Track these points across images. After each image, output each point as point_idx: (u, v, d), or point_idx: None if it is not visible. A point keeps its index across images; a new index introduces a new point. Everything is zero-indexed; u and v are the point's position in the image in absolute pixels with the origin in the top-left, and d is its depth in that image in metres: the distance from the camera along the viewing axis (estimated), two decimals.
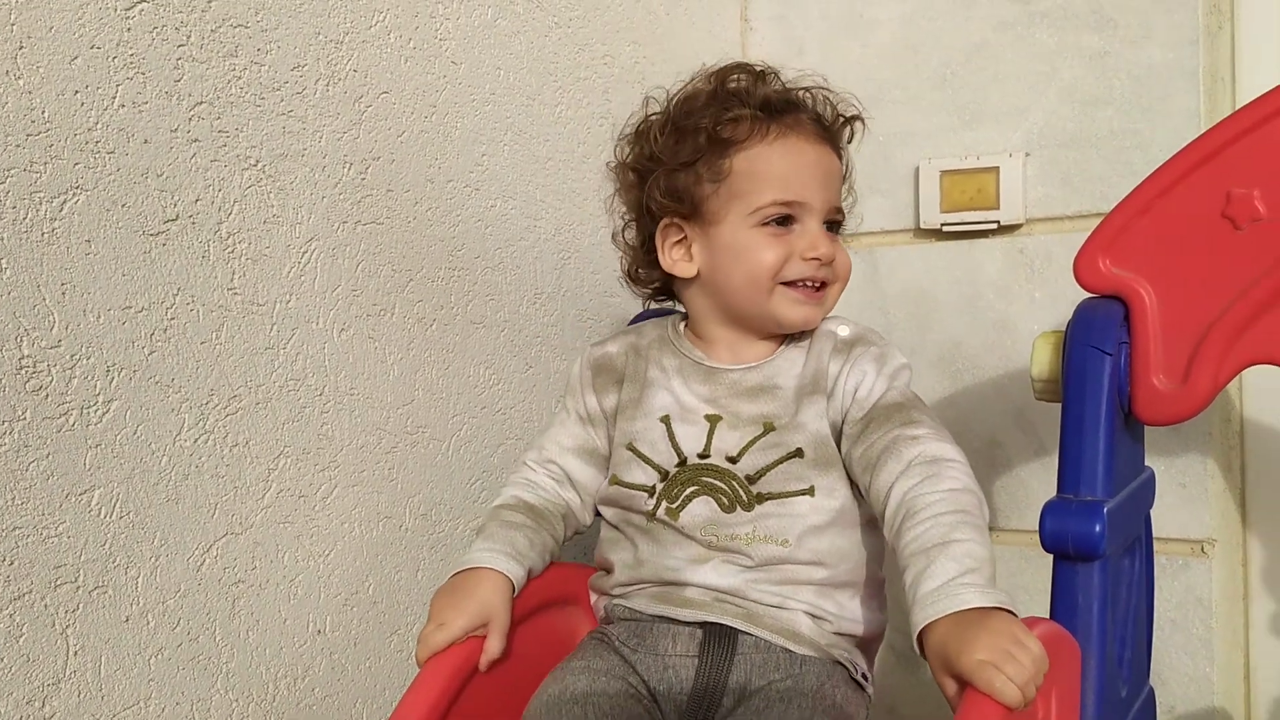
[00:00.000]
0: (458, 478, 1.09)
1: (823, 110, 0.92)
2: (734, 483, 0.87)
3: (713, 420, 0.89)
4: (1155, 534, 1.28)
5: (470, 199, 1.09)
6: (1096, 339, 0.81)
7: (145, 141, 0.81)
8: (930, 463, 0.78)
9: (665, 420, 0.90)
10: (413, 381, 1.03)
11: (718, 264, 0.89)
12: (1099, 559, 0.77)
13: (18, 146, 0.73)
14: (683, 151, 0.89)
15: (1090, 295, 0.86)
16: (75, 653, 0.76)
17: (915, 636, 0.71)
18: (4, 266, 0.72)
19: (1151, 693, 0.95)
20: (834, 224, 0.91)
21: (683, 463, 0.89)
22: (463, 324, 1.09)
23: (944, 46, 1.40)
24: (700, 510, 0.87)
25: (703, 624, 0.85)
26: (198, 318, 0.84)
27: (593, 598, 0.95)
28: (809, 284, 0.88)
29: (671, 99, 0.93)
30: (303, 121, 0.92)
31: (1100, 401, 0.80)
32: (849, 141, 0.95)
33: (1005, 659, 0.63)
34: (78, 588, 0.76)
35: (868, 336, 0.91)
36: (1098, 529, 0.76)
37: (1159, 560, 1.30)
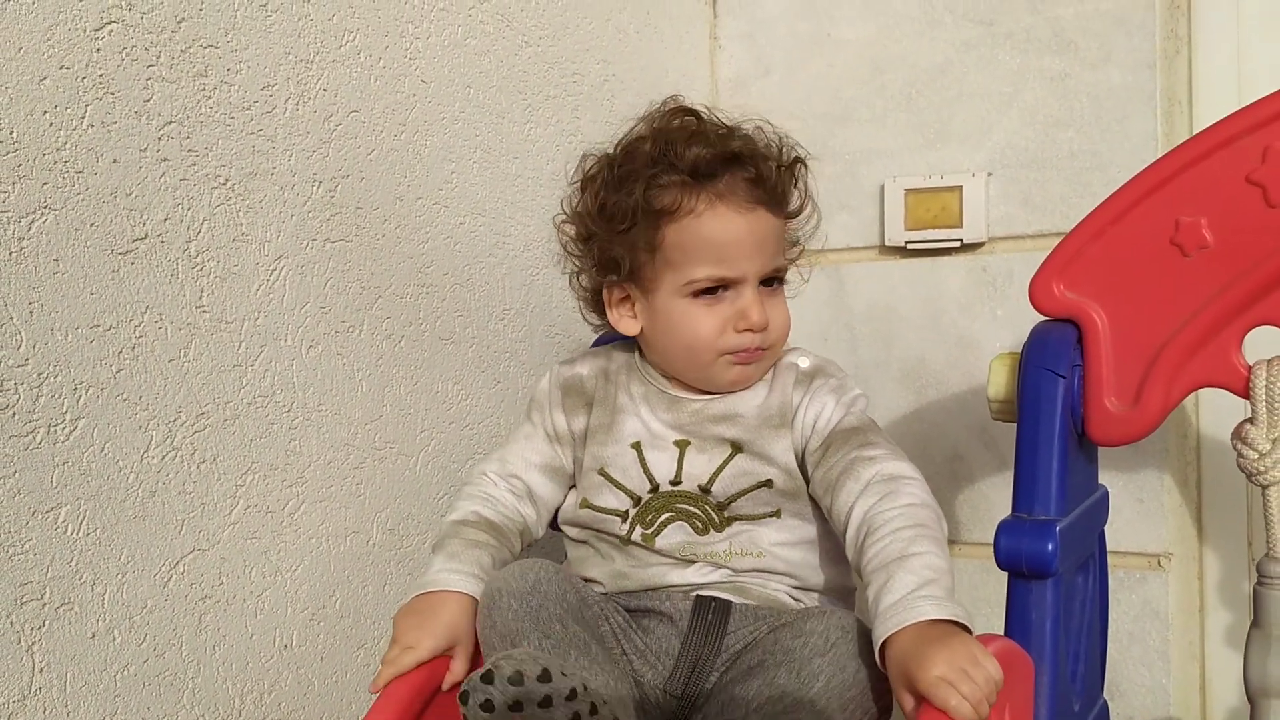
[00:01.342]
0: (425, 493, 1.10)
1: (761, 165, 0.90)
2: (706, 507, 0.89)
3: (681, 446, 0.91)
4: (1113, 548, 1.31)
5: (439, 216, 1.10)
6: (1050, 361, 0.83)
7: (114, 161, 0.81)
8: (887, 480, 0.80)
9: (637, 447, 0.92)
10: (381, 397, 1.04)
11: (657, 328, 0.91)
12: (1052, 577, 0.79)
13: None
14: (617, 221, 0.89)
15: (1045, 319, 0.88)
16: (40, 669, 0.76)
17: (877, 650, 0.72)
18: None
19: (1105, 706, 0.97)
20: (772, 280, 0.92)
21: (655, 489, 0.90)
22: (431, 340, 1.10)
23: (909, 67, 1.42)
24: (675, 535, 0.90)
25: (694, 598, 0.87)
26: (166, 335, 0.85)
27: None
28: (748, 351, 0.89)
29: (614, 154, 0.93)
30: (272, 140, 0.93)
31: (1054, 422, 0.82)
32: (794, 184, 0.94)
33: (961, 677, 0.65)
34: (44, 604, 0.77)
35: (826, 369, 0.93)
36: (1050, 548, 0.78)
37: (1116, 574, 1.32)
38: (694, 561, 0.89)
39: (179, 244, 0.86)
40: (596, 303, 0.96)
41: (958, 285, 1.41)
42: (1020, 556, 0.79)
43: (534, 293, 1.23)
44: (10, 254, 0.75)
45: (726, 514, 0.88)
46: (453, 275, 1.12)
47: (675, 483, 0.90)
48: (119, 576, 0.82)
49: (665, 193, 0.87)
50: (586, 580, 0.93)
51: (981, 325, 1.40)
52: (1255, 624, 0.82)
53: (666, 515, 0.90)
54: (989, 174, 1.38)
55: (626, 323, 0.94)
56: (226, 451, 0.90)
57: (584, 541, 0.94)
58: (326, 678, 0.99)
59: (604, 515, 0.92)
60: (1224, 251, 0.79)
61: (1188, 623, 1.33)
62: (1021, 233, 1.38)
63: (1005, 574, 0.84)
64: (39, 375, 0.76)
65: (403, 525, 1.07)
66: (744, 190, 0.88)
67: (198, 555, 0.87)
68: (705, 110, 0.93)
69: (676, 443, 0.91)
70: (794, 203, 0.93)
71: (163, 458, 0.85)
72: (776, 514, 0.88)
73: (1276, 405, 0.77)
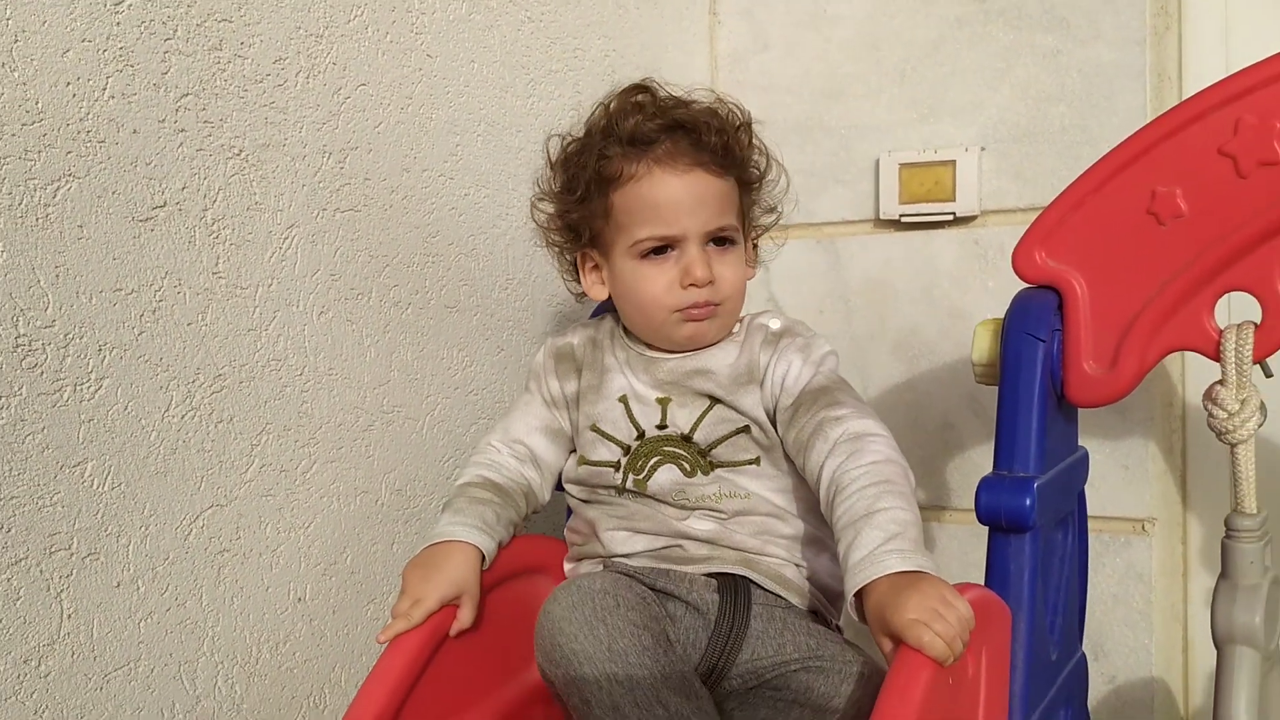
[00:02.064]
0: (431, 455, 1.13)
1: (703, 129, 0.94)
2: (692, 451, 0.94)
3: (663, 402, 0.96)
4: (1098, 513, 1.35)
5: (444, 188, 1.14)
6: (1031, 326, 0.86)
7: (134, 131, 0.85)
8: (854, 439, 0.85)
9: (623, 400, 0.97)
10: (389, 363, 1.08)
11: (618, 291, 0.98)
12: (1029, 531, 0.83)
13: (13, 136, 0.77)
14: (575, 192, 0.96)
15: (1027, 286, 0.91)
16: (69, 615, 0.81)
17: (851, 604, 0.77)
18: (1, 250, 0.76)
19: (1083, 658, 1.01)
20: (723, 239, 0.96)
21: (641, 436, 0.95)
22: (437, 308, 1.13)
23: (904, 43, 1.45)
24: (665, 476, 0.94)
25: (713, 575, 0.91)
26: (184, 300, 0.89)
27: (580, 566, 1.00)
28: (695, 306, 0.94)
29: (573, 133, 0.99)
30: (284, 112, 0.96)
31: (1034, 385, 0.85)
32: (748, 146, 0.98)
33: (934, 617, 0.68)
34: (71, 554, 0.81)
35: (795, 329, 0.98)
36: (1028, 503, 0.82)
37: (1101, 538, 1.37)
38: (689, 509, 0.93)
39: (196, 212, 0.89)
40: (575, 274, 1.03)
41: (950, 258, 1.45)
42: (999, 511, 0.82)
43: (536, 263, 1.26)
44: (37, 220, 0.78)
45: (709, 459, 0.94)
46: (457, 245, 1.16)
47: (661, 427, 0.95)
48: (142, 529, 0.86)
49: (611, 162, 0.94)
50: (587, 537, 0.98)
51: (973, 297, 1.43)
52: (1223, 575, 0.86)
53: (655, 459, 0.95)
54: (982, 148, 1.41)
55: (597, 289, 1.01)
56: (242, 412, 0.93)
57: (586, 500, 0.99)
58: (338, 629, 1.03)
59: (599, 468, 0.97)
60: (1197, 220, 0.83)
61: (1171, 585, 1.37)
62: (1013, 206, 1.41)
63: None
64: (65, 336, 0.80)
65: (410, 486, 1.11)
66: (683, 153, 0.93)
67: (216, 510, 0.91)
68: (659, 86, 0.98)
69: (659, 400, 0.96)
70: (746, 166, 0.98)
71: (182, 417, 0.89)
72: (756, 461, 0.93)
73: (1245, 368, 0.81)
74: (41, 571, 0.79)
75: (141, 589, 0.86)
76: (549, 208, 1.01)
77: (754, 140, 0.99)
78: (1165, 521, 1.36)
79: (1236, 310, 0.88)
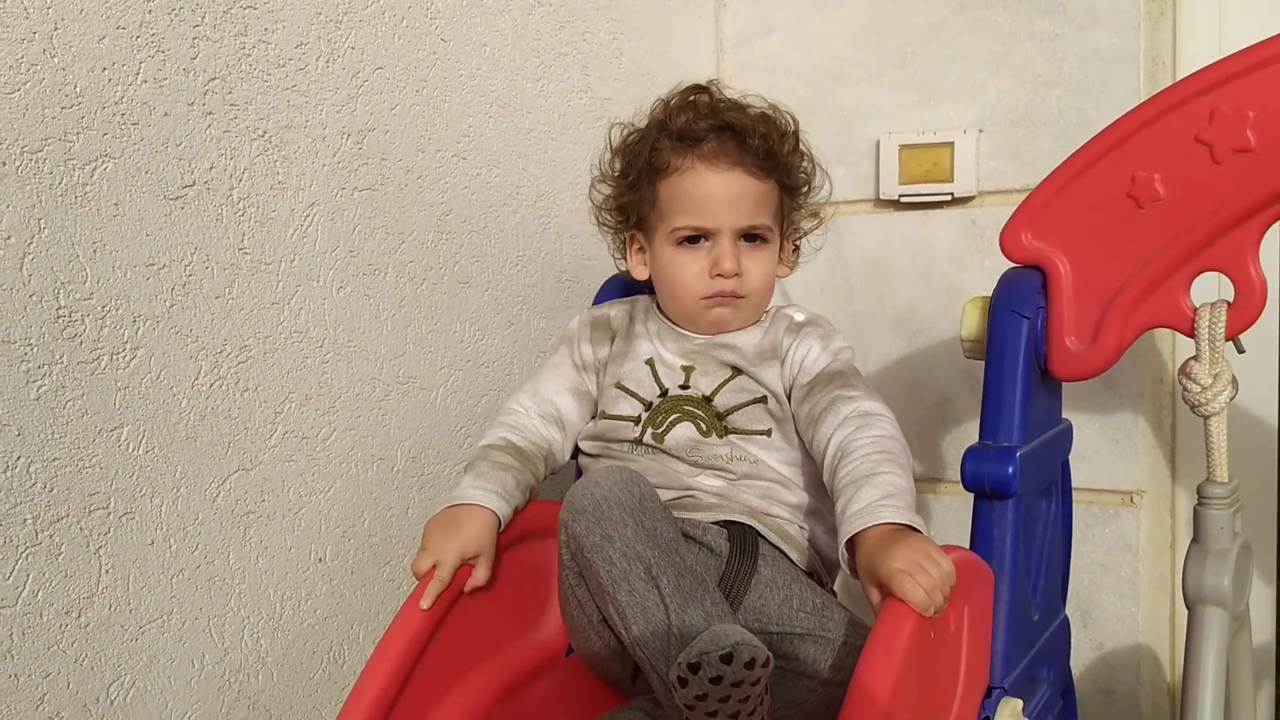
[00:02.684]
0: (445, 425, 1.18)
1: (749, 132, 1.01)
2: (709, 413, 1.00)
3: (688, 369, 1.03)
4: (1089, 485, 1.39)
5: (458, 167, 1.18)
6: (1017, 304, 0.91)
7: (165, 114, 0.89)
8: (863, 416, 0.90)
9: (649, 363, 1.05)
10: (404, 336, 1.13)
11: (656, 273, 1.06)
12: (1012, 497, 0.87)
13: (53, 118, 0.81)
14: (628, 177, 1.05)
15: (1014, 265, 0.96)
16: (107, 570, 0.86)
17: (843, 555, 0.82)
18: (43, 226, 0.81)
19: (1066, 621, 1.06)
20: (754, 237, 1.03)
21: (664, 394, 1.02)
22: (450, 284, 1.18)
23: (905, 27, 1.49)
24: (683, 433, 1.00)
25: (722, 523, 0.96)
26: (212, 275, 0.93)
27: None
28: (721, 295, 1.01)
29: (633, 124, 1.08)
30: (305, 95, 1.01)
31: (1018, 359, 0.90)
32: (792, 153, 1.06)
33: (917, 569, 0.73)
34: (109, 513, 0.86)
35: (817, 320, 1.06)
36: (1010, 470, 0.86)
37: (1091, 509, 1.41)
38: (700, 467, 0.99)
39: (223, 191, 0.94)
40: (624, 252, 1.11)
41: (948, 237, 1.49)
42: (983, 478, 0.87)
43: (546, 240, 1.31)
44: (76, 198, 0.83)
45: (725, 424, 1.00)
46: (470, 223, 1.20)
47: (684, 388, 1.02)
48: (173, 491, 0.91)
49: (661, 154, 1.03)
50: None
51: (970, 275, 1.48)
52: (1195, 540, 0.91)
53: (674, 416, 1.01)
54: (980, 131, 1.45)
55: (639, 269, 1.09)
56: (266, 381, 0.98)
57: (598, 455, 1.05)
58: (356, 589, 1.08)
59: (619, 422, 1.03)
60: (1175, 204, 0.87)
61: (1158, 556, 1.42)
62: (1010, 187, 1.45)
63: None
64: (103, 308, 0.85)
65: (424, 454, 1.16)
66: (727, 153, 1.01)
67: (242, 474, 0.96)
68: (718, 89, 1.06)
69: (683, 367, 1.03)
70: (789, 172, 1.06)
71: (210, 385, 0.93)
72: (768, 433, 0.99)
73: (1217, 344, 0.85)
74: (82, 529, 0.84)
75: (173, 547, 0.91)
76: (605, 190, 1.10)
77: (800, 148, 1.07)
78: (1154, 494, 1.40)
79: (1210, 290, 0.92)
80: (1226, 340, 0.86)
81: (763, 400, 1.00)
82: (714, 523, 0.97)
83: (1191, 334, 0.88)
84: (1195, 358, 0.88)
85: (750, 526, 0.96)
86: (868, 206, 1.54)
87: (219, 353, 0.94)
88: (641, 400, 1.03)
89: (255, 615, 0.98)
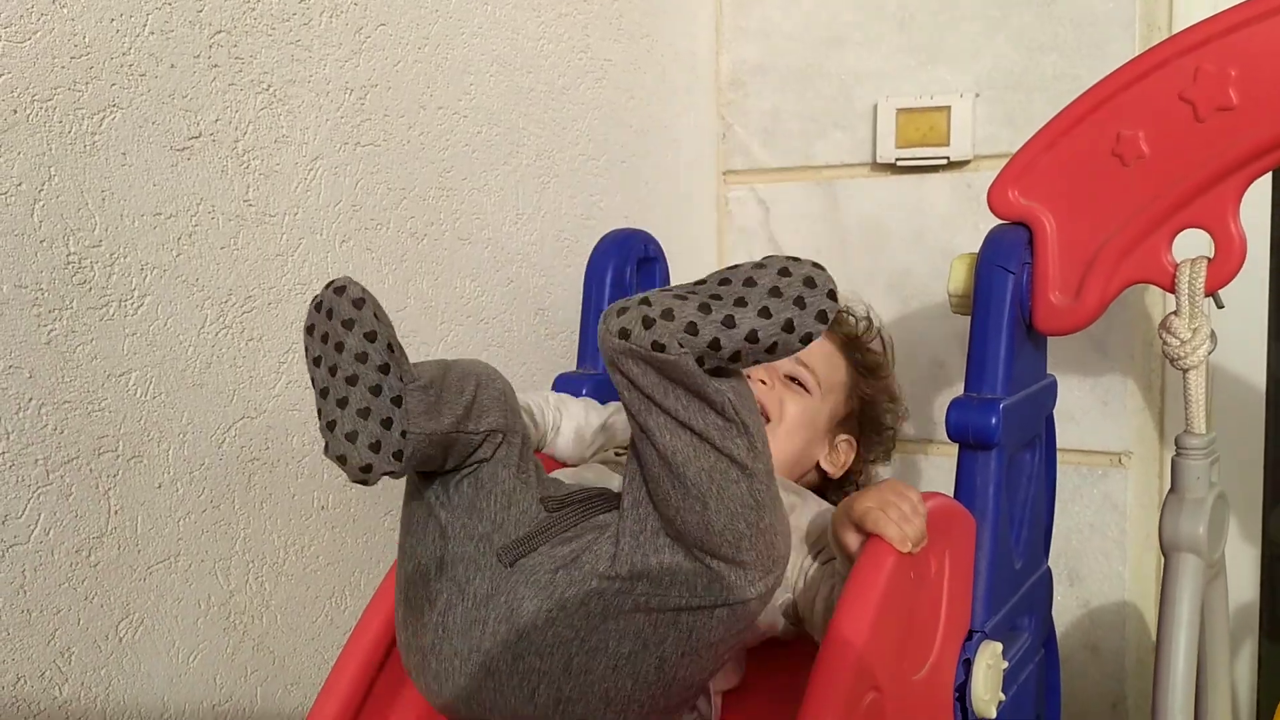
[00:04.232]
0: None
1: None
2: None
3: None
4: (1077, 446, 1.42)
5: (459, 125, 1.20)
6: (1003, 259, 0.93)
7: (172, 66, 0.91)
8: None
9: None
10: (405, 290, 1.15)
11: None
12: (995, 448, 0.90)
13: (63, 68, 0.83)
14: None
15: (1001, 222, 0.98)
16: (115, 512, 0.89)
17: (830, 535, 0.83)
18: (53, 174, 0.83)
19: (1048, 572, 1.08)
20: (796, 380, 1.04)
21: None
22: (451, 240, 1.20)
23: None
24: None
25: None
26: (218, 225, 0.95)
27: None
28: None
29: None
30: (309, 50, 1.02)
31: (1003, 313, 0.92)
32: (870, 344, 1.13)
33: (888, 505, 0.76)
34: (118, 456, 0.88)
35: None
36: (994, 421, 0.89)
37: (1080, 470, 1.44)
38: None
39: (228, 143, 0.96)
40: None
41: (943, 201, 1.50)
42: (967, 429, 0.89)
43: (545, 200, 1.33)
44: (85, 147, 0.85)
45: None
46: (470, 180, 1.22)
47: None
48: (180, 436, 0.93)
49: None
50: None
51: (964, 238, 1.49)
52: (1172, 490, 0.93)
53: None
54: (976, 95, 1.46)
55: None
56: (271, 332, 1.01)
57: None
58: (357, 537, 1.11)
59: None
60: (1158, 162, 0.89)
61: (1145, 516, 1.44)
62: (1005, 151, 1.46)
63: None
64: (111, 256, 0.87)
65: None
66: None
67: (247, 422, 0.99)
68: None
69: None
70: (860, 348, 1.11)
71: (216, 334, 0.96)
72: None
73: (1197, 299, 0.87)
74: (91, 470, 0.87)
75: (180, 491, 0.94)
76: None
77: (880, 336, 1.13)
78: (1141, 455, 1.43)
79: (1191, 246, 0.94)
80: (1206, 295, 0.88)
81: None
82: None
83: (1172, 289, 0.90)
84: (1175, 312, 0.90)
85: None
86: (864, 170, 1.56)
87: (224, 302, 0.96)
88: None
89: (259, 560, 1.01)
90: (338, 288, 0.70)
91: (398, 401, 0.69)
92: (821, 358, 1.06)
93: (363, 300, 0.70)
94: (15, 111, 0.81)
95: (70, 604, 0.85)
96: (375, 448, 0.69)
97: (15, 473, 0.81)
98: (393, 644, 0.87)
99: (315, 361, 0.71)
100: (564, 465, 1.03)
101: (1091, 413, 1.43)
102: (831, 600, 0.81)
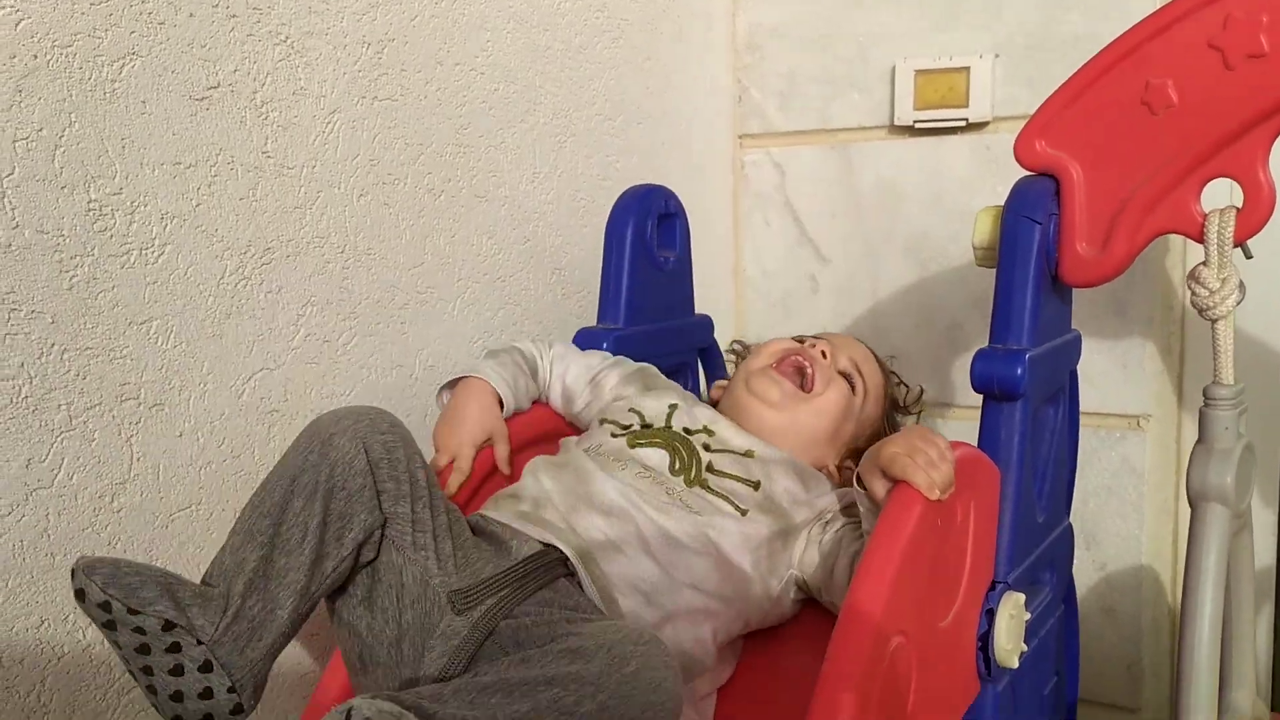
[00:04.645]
0: (461, 336, 1.20)
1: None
2: (696, 459, 0.93)
3: (709, 432, 0.97)
4: (1096, 409, 1.41)
5: (475, 81, 1.19)
6: (1029, 210, 0.92)
7: (191, 15, 0.90)
8: None
9: (671, 406, 1.00)
10: (423, 246, 1.14)
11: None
12: (1020, 399, 0.89)
13: (82, 14, 0.83)
14: None
15: (1027, 174, 0.97)
16: (138, 459, 0.88)
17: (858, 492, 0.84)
18: (73, 120, 0.82)
19: (1069, 529, 1.08)
20: (847, 376, 1.08)
21: (668, 427, 0.97)
22: (468, 197, 1.20)
23: None
24: (654, 457, 0.93)
25: (546, 545, 0.84)
26: (237, 176, 0.95)
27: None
28: (790, 361, 1.07)
29: None
30: (326, 2, 1.02)
31: (1029, 264, 0.91)
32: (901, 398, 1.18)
33: (915, 451, 0.76)
34: (139, 404, 0.88)
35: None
36: (1019, 372, 0.88)
37: (1099, 433, 1.43)
38: (625, 475, 0.90)
39: (246, 94, 0.95)
40: None
41: (962, 163, 1.49)
42: (992, 380, 0.89)
43: (562, 159, 1.32)
44: (105, 94, 0.84)
45: (705, 477, 0.92)
46: (487, 138, 1.21)
47: (689, 431, 0.96)
48: (201, 385, 0.93)
49: None
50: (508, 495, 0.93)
51: (982, 200, 1.46)
52: (1200, 440, 0.93)
53: (660, 440, 0.94)
54: (996, 55, 1.45)
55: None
56: (289, 284, 1.00)
57: (540, 466, 0.95)
58: None
59: (612, 426, 0.98)
60: (1187, 110, 0.88)
61: (1163, 480, 1.44)
62: (1024, 113, 1.43)
63: None
64: (131, 204, 0.87)
65: (441, 363, 1.18)
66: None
67: (265, 374, 0.99)
68: None
69: (705, 428, 0.98)
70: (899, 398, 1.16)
71: (235, 285, 0.95)
72: (743, 513, 0.90)
73: (1226, 249, 0.87)
74: (114, 417, 0.86)
75: (201, 440, 0.93)
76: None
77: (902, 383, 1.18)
78: (1160, 419, 1.42)
79: (1221, 195, 0.93)
80: (1235, 245, 0.88)
81: (755, 485, 0.93)
82: (544, 543, 0.84)
83: (1200, 239, 0.89)
84: (1204, 263, 0.89)
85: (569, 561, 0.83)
86: (882, 133, 1.55)
87: (243, 253, 0.96)
88: (643, 419, 0.98)
89: None
90: (78, 591, 0.66)
91: (207, 668, 0.68)
92: (874, 386, 1.08)
93: (106, 595, 0.66)
94: (35, 57, 0.80)
95: (94, 549, 0.85)
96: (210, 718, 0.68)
97: (38, 417, 0.81)
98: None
99: (115, 645, 0.68)
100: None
101: (1110, 375, 1.42)
102: (857, 562, 0.81)
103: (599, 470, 0.90)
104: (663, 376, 1.09)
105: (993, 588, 0.87)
